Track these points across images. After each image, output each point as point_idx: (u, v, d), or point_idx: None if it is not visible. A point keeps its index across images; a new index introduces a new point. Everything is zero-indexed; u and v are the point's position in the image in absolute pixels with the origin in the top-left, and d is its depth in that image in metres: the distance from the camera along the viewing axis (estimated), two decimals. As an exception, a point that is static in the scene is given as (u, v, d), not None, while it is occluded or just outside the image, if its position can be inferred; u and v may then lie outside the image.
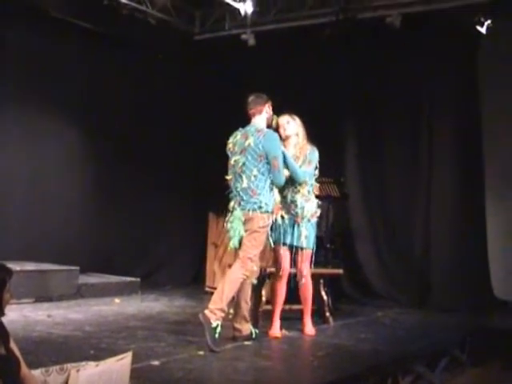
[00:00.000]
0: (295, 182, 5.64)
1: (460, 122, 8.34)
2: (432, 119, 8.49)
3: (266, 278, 6.00)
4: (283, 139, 5.64)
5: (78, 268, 7.47)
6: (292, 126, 5.76)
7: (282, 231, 5.66)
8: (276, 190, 5.44)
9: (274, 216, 5.46)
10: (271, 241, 5.54)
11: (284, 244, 5.67)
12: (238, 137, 5.35)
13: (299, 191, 5.69)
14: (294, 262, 5.74)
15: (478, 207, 8.10)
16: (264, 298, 6.06)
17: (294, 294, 5.89)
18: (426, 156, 8.44)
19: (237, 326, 5.33)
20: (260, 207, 5.17)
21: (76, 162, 8.72)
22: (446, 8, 7.48)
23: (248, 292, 5.32)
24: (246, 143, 5.24)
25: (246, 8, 8.17)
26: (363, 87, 8.73)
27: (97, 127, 8.72)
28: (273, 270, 5.82)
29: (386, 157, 8.73)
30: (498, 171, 8.17)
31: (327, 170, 6.22)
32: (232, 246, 5.28)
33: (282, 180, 5.31)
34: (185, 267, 9.48)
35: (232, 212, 5.28)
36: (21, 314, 6.05)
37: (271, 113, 5.48)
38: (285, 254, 5.67)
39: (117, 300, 7.43)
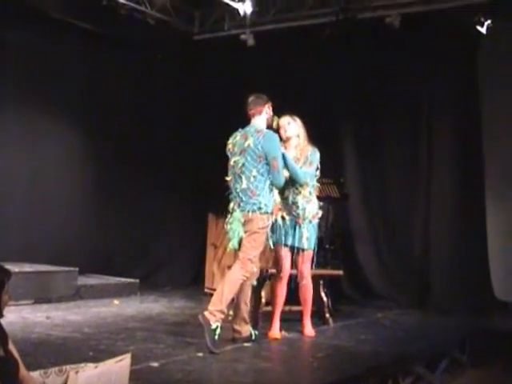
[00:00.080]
0: (296, 183, 5.62)
1: (460, 122, 8.34)
2: (432, 119, 8.49)
3: (266, 278, 5.98)
4: (284, 140, 5.63)
5: (76, 269, 7.46)
6: (293, 127, 5.73)
7: (283, 232, 5.64)
8: (276, 191, 5.41)
9: (274, 217, 5.45)
10: (271, 242, 5.51)
11: (285, 245, 5.66)
12: (238, 137, 5.33)
13: (300, 192, 5.67)
14: (294, 263, 5.73)
15: (477, 207, 8.09)
16: (264, 300, 6.05)
17: (293, 296, 5.88)
18: (426, 156, 8.45)
19: (236, 327, 5.31)
20: (260, 208, 5.14)
21: (76, 162, 8.72)
22: (446, 8, 7.48)
23: (248, 293, 5.30)
24: (246, 144, 5.22)
25: (246, 8, 8.17)
26: (363, 87, 8.72)
27: (97, 127, 8.72)
28: (273, 270, 5.81)
29: (386, 157, 8.73)
30: (498, 171, 8.16)
31: (327, 170, 6.20)
32: (231, 247, 5.26)
33: (281, 181, 5.28)
34: (184, 268, 9.47)
35: (231, 213, 5.26)
36: (19, 316, 6.03)
37: (271, 113, 5.45)
38: (286, 255, 5.66)
39: (116, 301, 7.40)
